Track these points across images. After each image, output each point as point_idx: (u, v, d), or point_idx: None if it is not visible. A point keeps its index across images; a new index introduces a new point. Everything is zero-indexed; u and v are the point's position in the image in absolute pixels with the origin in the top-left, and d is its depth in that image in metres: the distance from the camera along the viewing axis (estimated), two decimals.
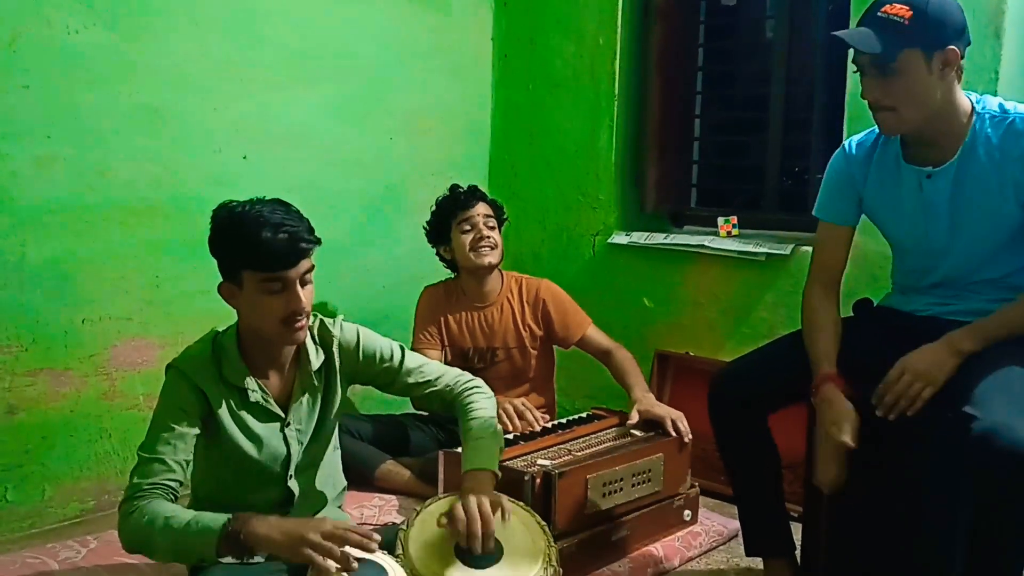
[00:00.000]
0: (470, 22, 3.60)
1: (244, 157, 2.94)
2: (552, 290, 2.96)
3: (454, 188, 2.97)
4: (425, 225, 2.99)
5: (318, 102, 3.13)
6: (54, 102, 2.54)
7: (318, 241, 1.88)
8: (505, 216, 3.03)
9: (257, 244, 1.79)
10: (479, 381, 2.15)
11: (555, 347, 3.04)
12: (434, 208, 2.97)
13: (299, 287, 1.84)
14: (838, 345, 2.05)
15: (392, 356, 2.09)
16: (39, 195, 2.54)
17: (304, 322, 1.88)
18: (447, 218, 2.91)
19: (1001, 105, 1.91)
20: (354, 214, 3.28)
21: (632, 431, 2.58)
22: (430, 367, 2.14)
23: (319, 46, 3.12)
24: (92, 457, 2.72)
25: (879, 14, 1.83)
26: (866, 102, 1.92)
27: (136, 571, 2.20)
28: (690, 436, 2.51)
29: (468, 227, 2.86)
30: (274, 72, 3.00)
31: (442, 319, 2.94)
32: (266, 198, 1.88)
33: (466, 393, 2.09)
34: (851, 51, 1.90)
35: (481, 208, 2.89)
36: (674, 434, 2.50)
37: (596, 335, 2.91)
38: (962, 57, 1.86)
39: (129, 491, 1.79)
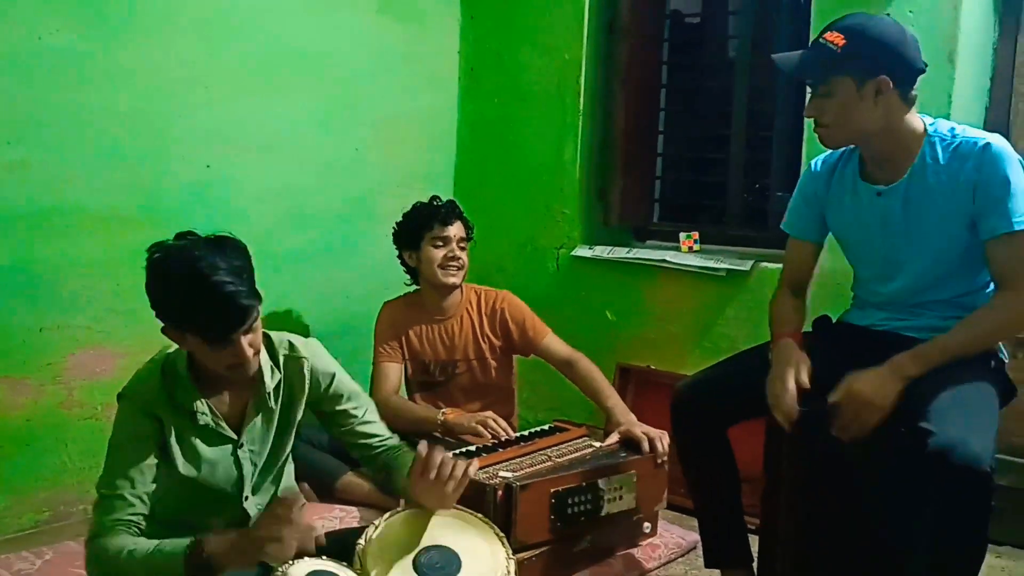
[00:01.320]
0: (438, 35, 3.62)
1: (208, 166, 2.92)
2: (510, 300, 2.97)
3: (434, 200, 2.95)
4: (395, 226, 2.97)
5: (287, 111, 3.13)
6: (19, 107, 2.52)
7: (259, 297, 1.78)
8: (472, 236, 3.01)
9: (196, 317, 1.72)
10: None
11: (517, 359, 3.05)
12: (410, 212, 2.95)
13: (243, 340, 1.77)
14: (800, 324, 2.15)
15: (359, 403, 2.08)
16: (1, 200, 2.51)
17: (254, 362, 1.84)
18: (421, 227, 2.89)
19: (952, 129, 1.98)
20: (321, 223, 3.27)
21: (593, 443, 2.59)
22: (382, 428, 2.12)
23: (289, 55, 3.12)
24: (49, 467, 2.68)
25: (819, 39, 1.96)
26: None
27: None
28: (665, 457, 2.50)
29: (441, 243, 2.86)
30: (244, 80, 3.00)
31: (402, 334, 2.94)
32: (199, 239, 1.79)
33: (405, 450, 2.09)
34: None
35: (457, 229, 2.88)
36: (648, 452, 2.51)
37: (555, 344, 2.91)
38: (908, 85, 1.93)
39: (93, 531, 1.77)
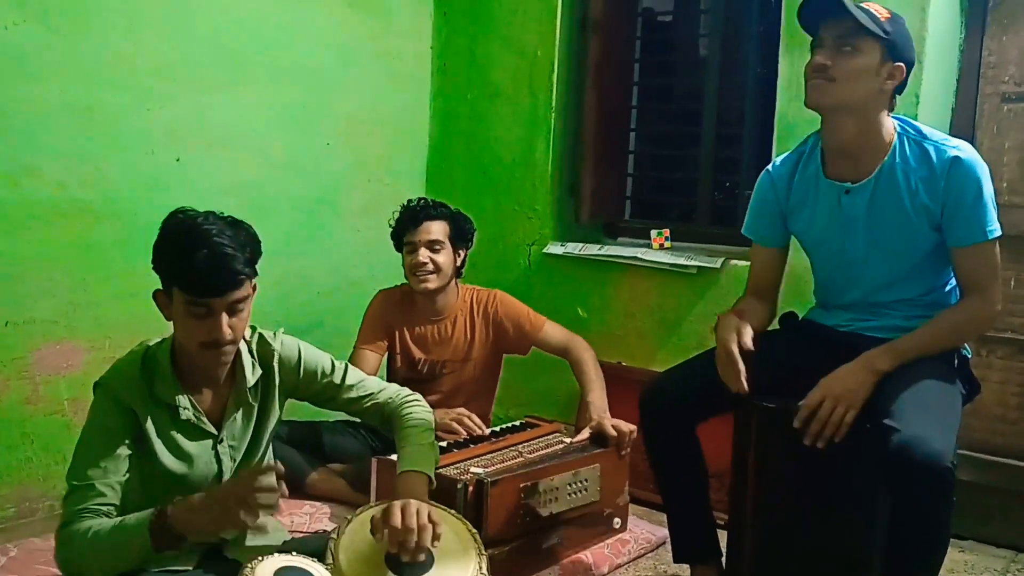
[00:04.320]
0: (410, 30, 3.61)
1: (177, 159, 2.89)
2: (504, 300, 2.94)
3: (410, 203, 2.90)
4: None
5: (256, 105, 3.10)
6: None
7: (253, 273, 1.80)
8: (472, 229, 2.95)
9: (187, 266, 1.72)
10: (418, 395, 2.15)
11: (504, 357, 3.03)
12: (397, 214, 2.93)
13: (225, 316, 1.76)
14: (749, 312, 2.15)
15: (334, 372, 2.05)
16: None
17: (228, 349, 1.82)
18: (401, 232, 2.87)
19: (921, 131, 2.01)
20: (290, 219, 3.25)
21: (564, 439, 2.61)
22: (370, 382, 2.12)
23: (258, 49, 3.09)
24: (13, 463, 2.64)
25: (861, 5, 1.95)
26: (806, 72, 1.98)
27: None
28: (628, 449, 2.54)
29: (410, 249, 2.83)
30: (211, 74, 2.97)
31: (392, 326, 2.91)
32: (224, 214, 1.81)
33: (405, 404, 2.09)
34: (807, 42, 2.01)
35: (424, 233, 2.81)
36: (614, 444, 2.53)
37: (552, 332, 2.90)
38: (903, 86, 1.98)
39: (63, 520, 1.75)
